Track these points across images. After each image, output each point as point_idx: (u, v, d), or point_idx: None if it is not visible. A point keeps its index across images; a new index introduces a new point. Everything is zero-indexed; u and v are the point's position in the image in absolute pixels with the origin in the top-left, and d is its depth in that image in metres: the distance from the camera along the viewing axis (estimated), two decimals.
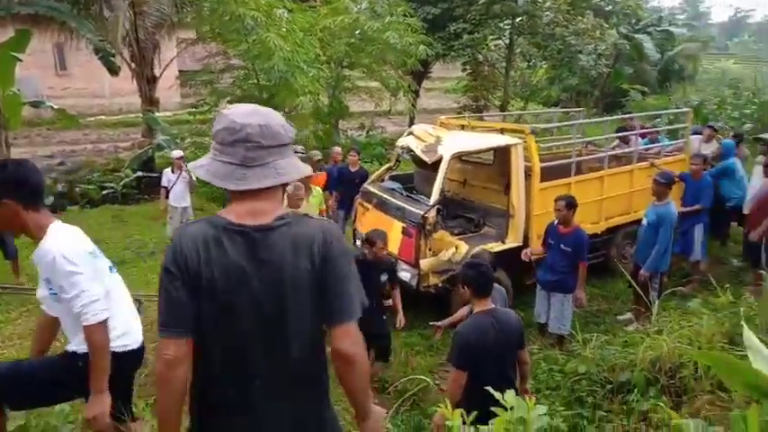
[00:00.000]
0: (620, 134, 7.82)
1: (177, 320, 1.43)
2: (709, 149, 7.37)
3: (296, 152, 8.02)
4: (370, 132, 14.46)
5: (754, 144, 8.63)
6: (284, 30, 9.62)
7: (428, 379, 4.26)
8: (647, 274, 5.33)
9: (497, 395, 1.77)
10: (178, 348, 1.42)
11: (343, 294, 1.48)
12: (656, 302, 4.42)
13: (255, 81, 10.27)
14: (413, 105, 14.25)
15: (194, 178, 7.75)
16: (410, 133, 6.35)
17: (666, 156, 7.32)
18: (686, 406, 3.49)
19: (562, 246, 4.92)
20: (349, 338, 1.47)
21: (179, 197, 7.54)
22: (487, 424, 1.77)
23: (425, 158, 5.71)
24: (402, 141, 6.37)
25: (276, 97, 9.96)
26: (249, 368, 1.48)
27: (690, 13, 67.25)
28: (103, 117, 19.73)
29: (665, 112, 8.76)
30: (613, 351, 4.21)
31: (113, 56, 11.91)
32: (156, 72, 13.25)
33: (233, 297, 1.44)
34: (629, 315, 5.83)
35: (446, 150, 5.57)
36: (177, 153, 7.84)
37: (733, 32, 71.63)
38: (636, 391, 3.78)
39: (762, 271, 6.02)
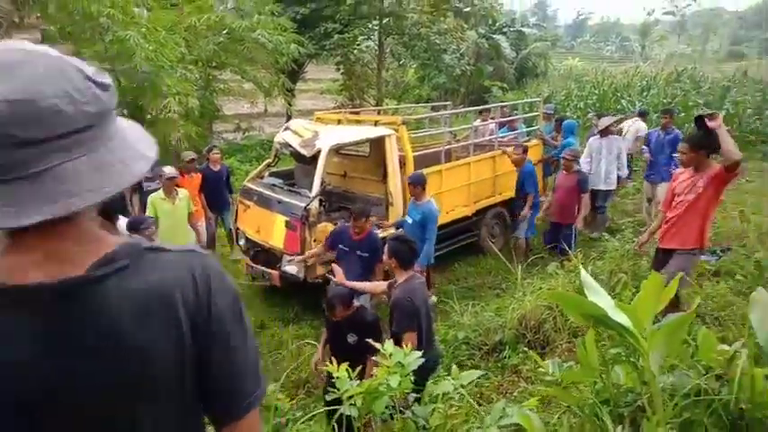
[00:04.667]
0: (478, 124, 8.53)
1: None
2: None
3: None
4: (247, 134, 14.17)
5: None
6: (144, 28, 9.14)
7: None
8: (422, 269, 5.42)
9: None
10: None
11: (238, 374, 0.92)
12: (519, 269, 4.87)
13: (117, 83, 9.64)
14: (289, 105, 14.21)
15: None
16: (287, 129, 6.39)
17: (524, 142, 8.08)
18: (549, 354, 3.95)
19: (358, 252, 4.90)
20: None
21: None
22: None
23: (304, 152, 5.80)
24: (280, 137, 6.39)
25: (141, 99, 9.45)
26: None
27: (539, 15, 73.76)
28: None
29: (520, 101, 9.64)
30: (487, 317, 4.62)
31: None
32: None
33: (17, 420, 0.79)
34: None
35: (324, 143, 5.71)
36: None
37: (577, 33, 79.59)
38: (507, 348, 4.20)
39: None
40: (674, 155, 6.18)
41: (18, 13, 11.58)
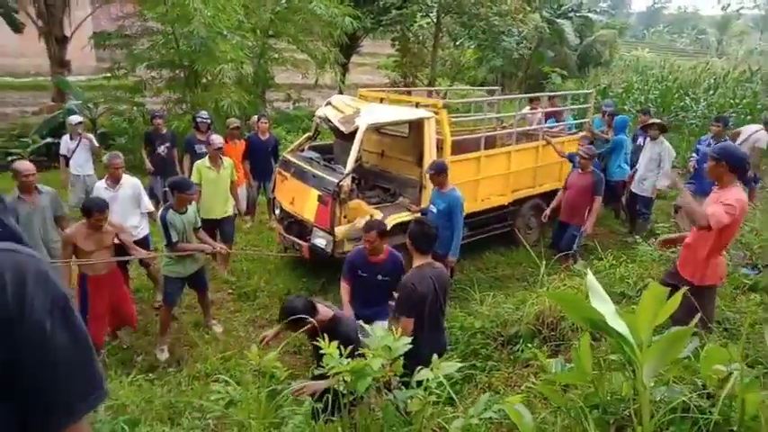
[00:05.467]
0: (525, 112, 8.33)
1: None
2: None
3: (200, 118, 7.77)
4: (297, 104, 14.35)
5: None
6: None
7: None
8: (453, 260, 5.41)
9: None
10: None
11: (54, 388, 0.82)
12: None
13: (175, 46, 9.94)
14: (341, 79, 14.26)
15: (95, 143, 7.52)
16: (329, 104, 6.45)
17: (570, 134, 7.87)
18: (563, 353, 3.92)
19: (379, 276, 4.18)
20: None
21: (81, 165, 7.28)
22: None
23: (342, 129, 5.86)
24: (321, 112, 6.47)
25: (196, 63, 9.72)
26: None
27: (612, 1, 70.48)
28: (8, 78, 18.31)
29: (569, 92, 9.33)
30: (506, 309, 4.61)
31: (17, 12, 11.09)
32: (67, 32, 12.45)
33: None
34: None
35: (362, 121, 5.74)
36: (75, 119, 7.53)
37: (650, 22, 75.72)
38: (522, 342, 4.19)
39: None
40: None
41: None
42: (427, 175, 5.96)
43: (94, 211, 4.42)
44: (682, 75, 17.05)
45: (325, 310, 3.26)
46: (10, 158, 10.36)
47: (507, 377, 3.89)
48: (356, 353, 2.96)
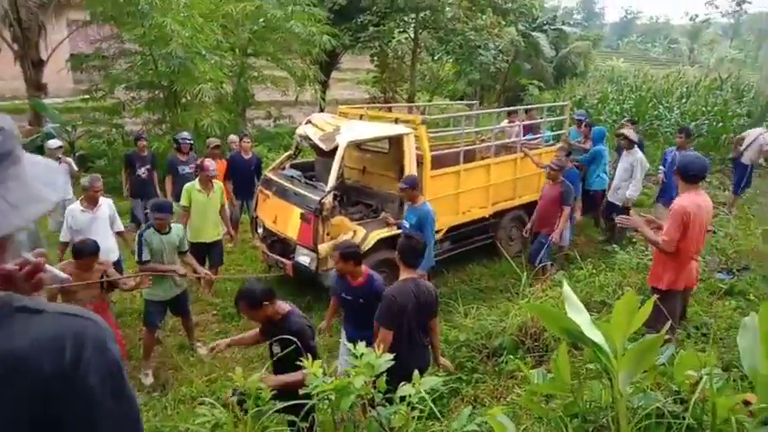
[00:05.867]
0: (503, 126, 8.49)
1: None
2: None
3: (183, 139, 7.75)
4: (278, 122, 14.40)
5: None
6: (182, 15, 9.38)
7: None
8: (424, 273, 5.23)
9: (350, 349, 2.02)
10: None
11: None
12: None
13: (153, 67, 9.95)
14: (321, 96, 14.35)
15: (74, 167, 7.47)
16: (309, 122, 6.51)
17: (547, 146, 8.01)
18: (546, 363, 3.98)
19: (361, 300, 4.03)
20: None
21: None
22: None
23: (323, 146, 5.91)
24: (301, 130, 6.52)
25: (176, 84, 9.73)
26: None
27: (585, 13, 72.06)
28: None
29: (545, 105, 9.52)
30: (490, 321, 4.66)
31: None
32: (43, 55, 12.37)
33: None
34: None
35: (342, 139, 5.80)
36: (54, 143, 7.52)
37: (623, 33, 77.42)
38: (506, 353, 4.24)
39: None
40: None
41: None
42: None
43: (86, 254, 4.31)
44: (655, 84, 17.45)
45: (282, 304, 3.29)
46: None
47: (493, 389, 3.93)
48: (312, 346, 3.06)
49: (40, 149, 11.02)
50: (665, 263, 3.87)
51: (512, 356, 4.12)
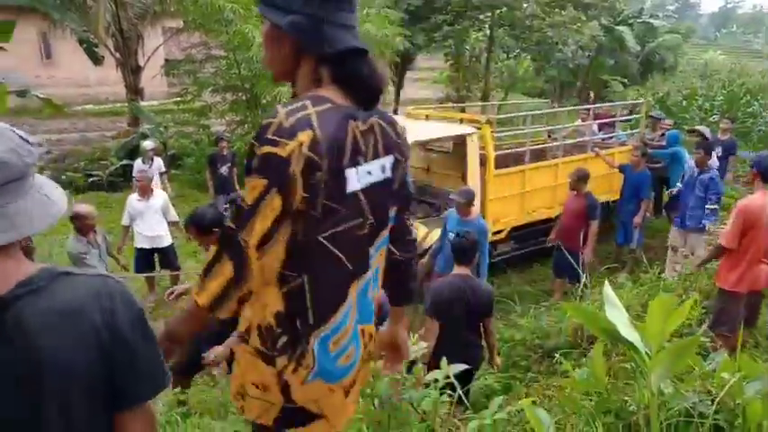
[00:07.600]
0: (576, 124, 8.27)
1: None
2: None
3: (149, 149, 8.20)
4: None
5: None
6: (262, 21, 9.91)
7: None
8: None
9: None
10: None
11: (136, 379, 1.06)
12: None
13: (237, 71, 10.59)
14: (394, 98, 14.60)
15: (163, 167, 8.14)
16: None
17: (621, 146, 7.75)
18: None
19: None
20: (142, 424, 1.09)
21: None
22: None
23: None
24: None
25: (256, 87, 10.30)
26: None
27: (680, 4, 67.70)
28: (90, 106, 19.92)
29: (618, 104, 9.15)
30: (546, 321, 4.66)
31: (96, 46, 12.17)
32: (141, 62, 13.49)
33: None
34: None
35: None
36: (149, 144, 8.17)
37: (722, 23, 72.10)
38: (560, 354, 4.23)
39: None
40: (709, 203, 5.45)
41: (160, 4, 13.04)
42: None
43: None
44: (751, 79, 16.18)
45: None
46: (90, 179, 11.36)
47: (546, 388, 3.94)
48: None
49: (137, 149, 12.09)
50: (730, 263, 3.78)
51: (565, 357, 4.12)
